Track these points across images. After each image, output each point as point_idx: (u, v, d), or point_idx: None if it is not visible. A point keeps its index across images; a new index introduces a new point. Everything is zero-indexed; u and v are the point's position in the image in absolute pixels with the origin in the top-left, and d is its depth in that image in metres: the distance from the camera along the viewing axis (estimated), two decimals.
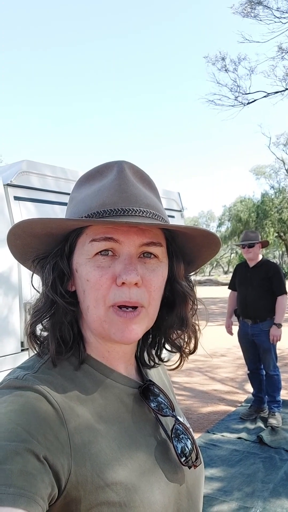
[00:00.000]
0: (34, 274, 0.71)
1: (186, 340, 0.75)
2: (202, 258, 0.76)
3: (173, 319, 0.74)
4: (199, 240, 0.69)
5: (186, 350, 0.76)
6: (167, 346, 0.78)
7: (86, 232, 0.64)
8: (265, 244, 4.34)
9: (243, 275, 4.35)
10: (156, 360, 0.79)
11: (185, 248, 0.72)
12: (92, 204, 0.63)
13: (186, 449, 0.68)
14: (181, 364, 0.77)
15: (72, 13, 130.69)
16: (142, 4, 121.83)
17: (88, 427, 0.59)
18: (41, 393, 0.57)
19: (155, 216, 0.65)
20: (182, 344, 0.75)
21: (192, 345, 0.75)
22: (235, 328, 4.47)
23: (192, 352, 0.76)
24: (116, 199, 0.63)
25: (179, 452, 0.67)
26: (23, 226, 0.63)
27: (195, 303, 0.75)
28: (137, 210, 0.63)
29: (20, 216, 3.02)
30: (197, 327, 0.76)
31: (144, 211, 0.63)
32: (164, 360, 0.81)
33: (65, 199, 3.47)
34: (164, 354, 0.81)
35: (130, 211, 0.62)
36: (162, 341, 0.78)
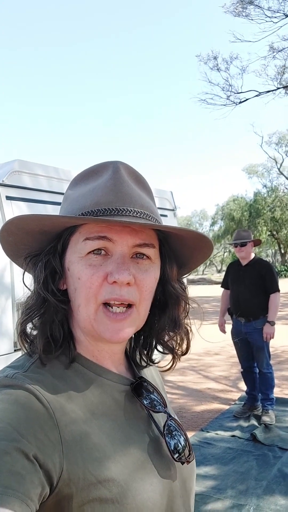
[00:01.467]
0: (26, 273, 0.72)
1: (178, 341, 0.75)
2: (194, 261, 0.76)
3: (165, 321, 0.74)
4: (191, 242, 0.70)
5: (179, 352, 0.76)
6: (159, 347, 0.78)
7: (80, 231, 0.64)
8: (257, 243, 4.37)
9: (236, 274, 4.37)
10: (148, 361, 0.80)
11: (178, 250, 0.73)
12: (86, 203, 0.64)
13: (179, 445, 0.69)
14: (174, 366, 0.77)
15: (67, 13, 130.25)
16: (134, 4, 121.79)
17: (80, 425, 0.59)
18: (31, 391, 0.57)
19: (148, 217, 0.65)
20: (174, 346, 0.76)
21: (184, 347, 0.76)
22: (228, 327, 4.49)
23: (184, 353, 0.77)
24: (110, 198, 0.63)
25: (172, 448, 0.67)
26: (17, 223, 0.63)
27: (188, 304, 0.75)
28: (131, 211, 0.63)
29: (12, 215, 3.00)
30: (189, 329, 0.76)
31: (138, 212, 0.64)
32: (155, 361, 0.81)
33: (58, 198, 3.46)
34: (157, 355, 0.81)
35: (124, 211, 0.62)
36: (153, 343, 0.78)
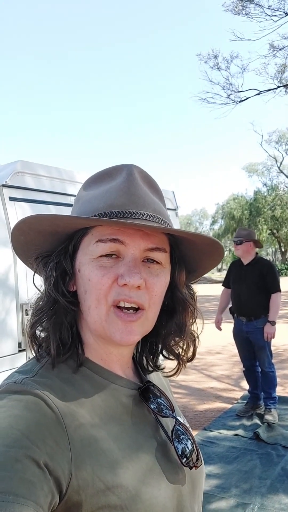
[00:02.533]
0: (35, 274, 0.71)
1: (184, 348, 0.75)
2: (203, 268, 0.76)
3: (172, 326, 0.74)
4: (202, 248, 0.69)
5: (184, 358, 0.76)
6: (165, 353, 0.78)
7: (92, 233, 0.64)
8: (258, 245, 4.33)
9: (237, 273, 4.37)
10: (153, 366, 0.79)
11: (187, 256, 0.72)
12: (99, 205, 0.63)
13: (187, 450, 0.68)
14: (179, 371, 0.77)
15: (71, 14, 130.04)
16: (134, 4, 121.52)
17: (88, 430, 0.59)
18: (40, 397, 0.57)
19: (161, 221, 0.65)
20: (180, 352, 0.75)
21: (190, 353, 0.76)
22: (229, 326, 4.50)
23: (190, 360, 0.76)
24: (124, 201, 0.63)
25: (180, 453, 0.67)
26: (30, 222, 0.63)
27: (195, 311, 0.75)
28: (145, 214, 0.63)
29: (16, 217, 3.01)
30: (196, 335, 0.76)
31: (151, 216, 0.64)
32: (161, 367, 0.81)
33: (61, 199, 3.46)
34: (160, 359, 0.81)
35: (137, 214, 0.62)
36: (159, 349, 0.78)
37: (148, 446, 0.66)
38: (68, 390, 0.61)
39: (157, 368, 0.80)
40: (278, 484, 2.99)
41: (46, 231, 0.65)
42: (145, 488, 0.60)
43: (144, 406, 0.70)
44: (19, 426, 0.52)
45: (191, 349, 0.75)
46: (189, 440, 0.70)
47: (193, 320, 0.75)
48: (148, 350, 0.79)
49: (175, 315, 0.74)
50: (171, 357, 0.77)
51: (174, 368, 0.77)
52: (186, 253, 0.72)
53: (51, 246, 0.68)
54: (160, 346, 0.78)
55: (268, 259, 4.55)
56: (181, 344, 0.75)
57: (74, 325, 0.68)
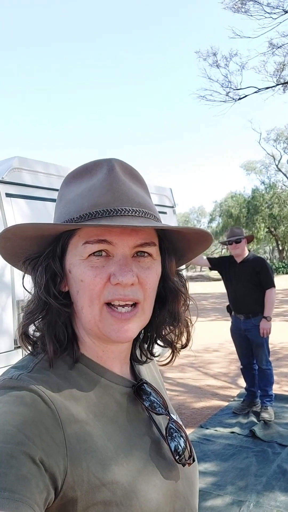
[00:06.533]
0: (25, 275, 0.71)
1: (177, 335, 0.75)
2: (193, 252, 0.76)
3: (165, 315, 0.74)
4: (190, 236, 0.70)
5: (178, 345, 0.76)
6: (159, 341, 0.78)
7: (79, 234, 0.64)
8: (250, 239, 4.40)
9: (231, 271, 4.38)
10: (148, 355, 0.80)
11: (176, 243, 0.72)
12: (83, 205, 0.63)
13: (179, 447, 0.68)
14: (173, 360, 0.77)
15: (66, 9, 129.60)
16: (133, 0, 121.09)
17: (84, 427, 0.59)
18: (37, 392, 0.57)
19: (147, 215, 0.64)
20: (173, 339, 0.75)
21: (184, 340, 0.76)
22: (224, 323, 4.49)
23: (184, 346, 0.76)
24: (108, 199, 0.62)
25: (172, 450, 0.67)
26: (14, 230, 0.62)
27: (187, 298, 0.75)
28: (130, 210, 0.62)
29: (12, 213, 2.99)
30: (189, 322, 0.76)
31: (137, 211, 0.63)
32: (156, 355, 0.81)
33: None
34: (157, 349, 0.81)
35: (123, 211, 0.62)
36: (154, 336, 0.78)
37: (142, 443, 0.66)
38: (64, 386, 0.61)
39: (152, 356, 0.80)
40: (274, 481, 3.00)
41: (32, 236, 0.64)
42: (140, 484, 0.60)
43: (138, 404, 0.71)
44: (15, 422, 0.52)
45: (185, 335, 0.75)
46: (181, 437, 0.70)
47: (186, 308, 0.75)
48: (142, 339, 0.79)
49: (167, 304, 0.74)
50: (165, 345, 0.76)
51: (168, 357, 0.77)
52: (175, 241, 0.72)
53: (39, 248, 0.67)
54: (154, 335, 0.78)
55: (265, 257, 4.58)
56: (174, 332, 0.75)
57: (68, 324, 0.68)
